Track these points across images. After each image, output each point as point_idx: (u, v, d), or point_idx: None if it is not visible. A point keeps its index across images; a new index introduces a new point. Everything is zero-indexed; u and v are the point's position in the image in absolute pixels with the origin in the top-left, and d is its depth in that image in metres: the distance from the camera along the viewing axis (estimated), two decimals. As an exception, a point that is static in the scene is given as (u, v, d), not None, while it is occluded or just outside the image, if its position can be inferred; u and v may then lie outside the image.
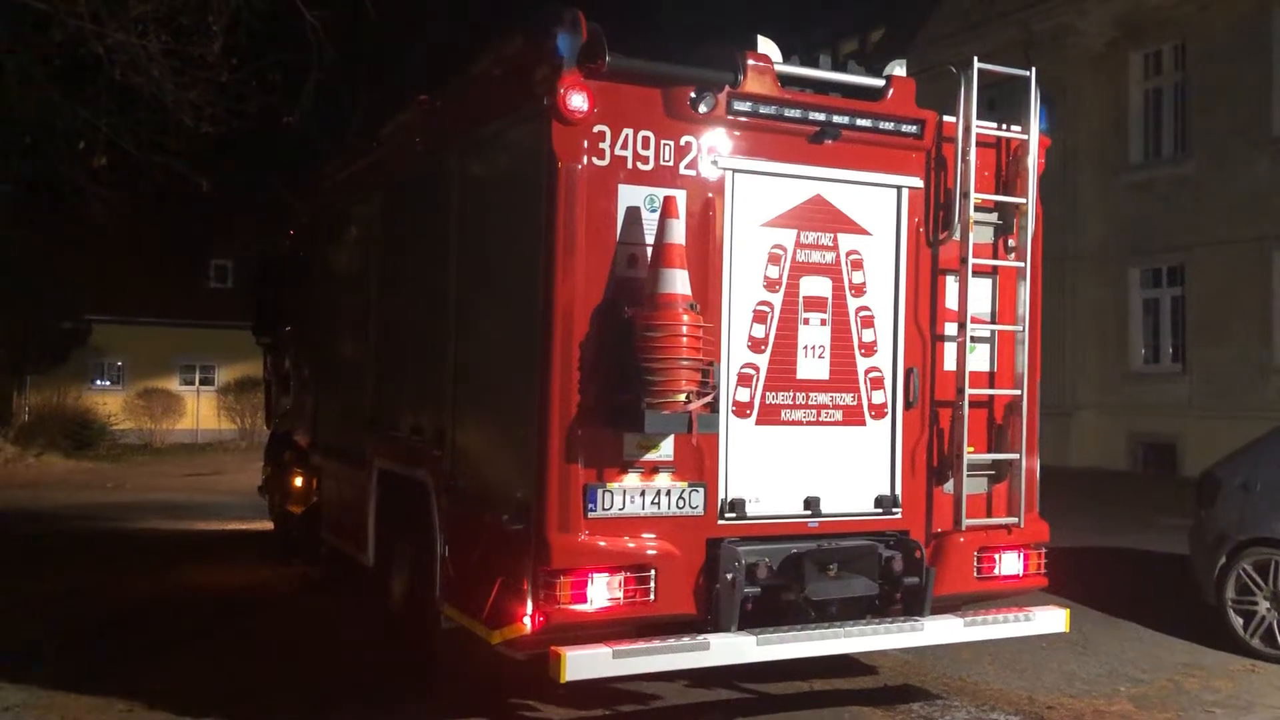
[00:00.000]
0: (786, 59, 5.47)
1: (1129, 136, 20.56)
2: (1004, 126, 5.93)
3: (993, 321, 5.90)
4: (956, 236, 5.72)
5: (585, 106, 4.96)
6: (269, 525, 11.01)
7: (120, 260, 29.10)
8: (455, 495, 5.76)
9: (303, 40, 11.29)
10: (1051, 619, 5.82)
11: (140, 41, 10.70)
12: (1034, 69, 5.93)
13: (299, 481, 9.74)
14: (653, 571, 4.99)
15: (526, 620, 4.86)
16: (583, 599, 4.86)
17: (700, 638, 4.98)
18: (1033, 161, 5.89)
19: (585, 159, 5.00)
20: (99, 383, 31.65)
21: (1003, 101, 6.22)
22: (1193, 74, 19.31)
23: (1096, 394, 20.57)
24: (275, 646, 7.13)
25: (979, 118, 5.73)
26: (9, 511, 14.09)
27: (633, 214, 5.10)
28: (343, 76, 16.50)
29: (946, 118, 5.72)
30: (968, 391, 5.72)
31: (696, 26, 30.42)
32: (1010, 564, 5.85)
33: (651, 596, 4.98)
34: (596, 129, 5.02)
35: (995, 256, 5.91)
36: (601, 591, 4.89)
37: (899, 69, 5.73)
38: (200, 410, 31.67)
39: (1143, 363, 20.27)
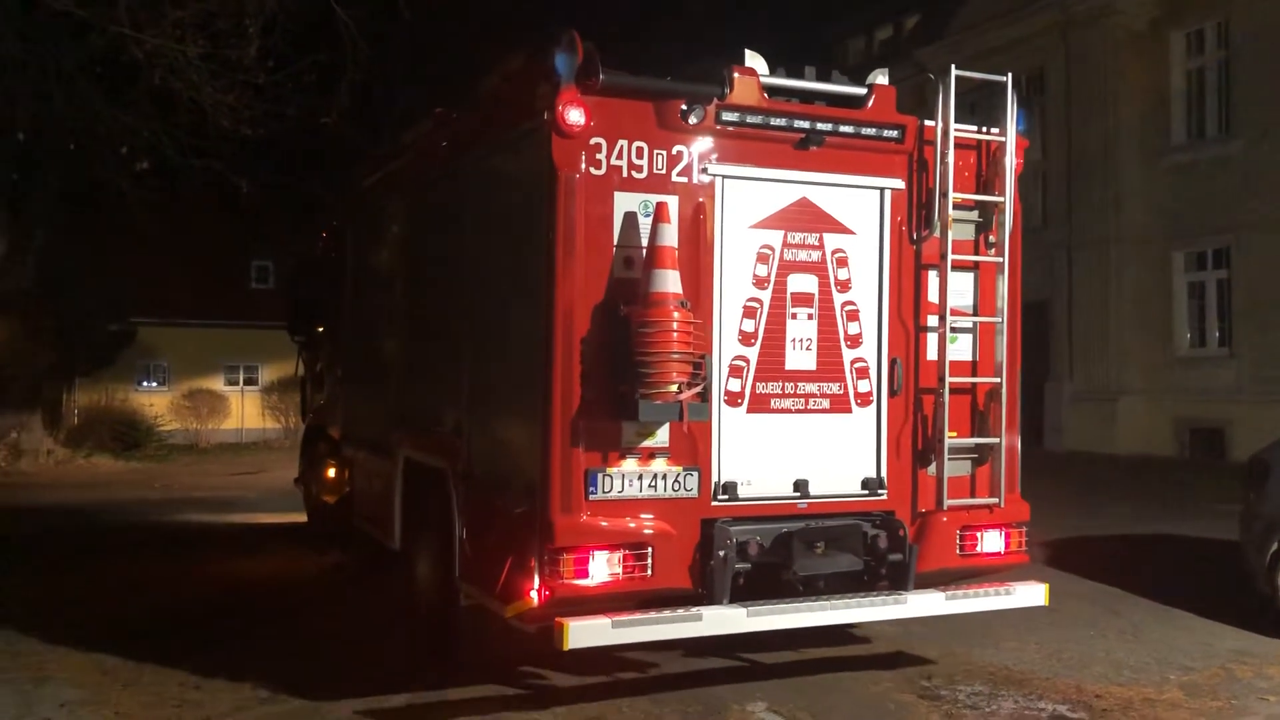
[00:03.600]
0: (788, 65, 5.92)
1: (1171, 117, 20.27)
2: (984, 130, 6.24)
3: (974, 314, 6.26)
4: (937, 234, 6.07)
5: (582, 121, 5.34)
6: (303, 518, 11.46)
7: (163, 262, 29.45)
8: (471, 482, 6.18)
9: (338, 40, 11.39)
10: (1031, 593, 6.09)
11: (178, 46, 10.84)
12: (1009, 74, 6.24)
13: (332, 473, 10.15)
14: (650, 549, 5.40)
15: (534, 594, 5.27)
16: (585, 574, 5.27)
17: (694, 610, 5.36)
18: (1010, 162, 6.21)
19: (583, 168, 5.38)
20: (145, 384, 32.10)
21: (983, 105, 6.53)
22: (1237, 53, 18.98)
23: (1142, 379, 20.31)
24: (313, 637, 7.34)
25: (960, 121, 6.07)
26: (61, 509, 14.35)
27: (629, 219, 5.46)
28: (379, 75, 16.57)
29: (927, 122, 6.05)
30: (948, 380, 6.07)
31: (733, 19, 30.27)
32: (992, 541, 6.19)
33: (649, 572, 5.39)
34: (593, 141, 5.40)
35: (977, 252, 6.25)
36: (602, 567, 5.30)
37: (881, 78, 6.08)
38: (245, 410, 32.04)
39: (1188, 347, 19.99)
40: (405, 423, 7.49)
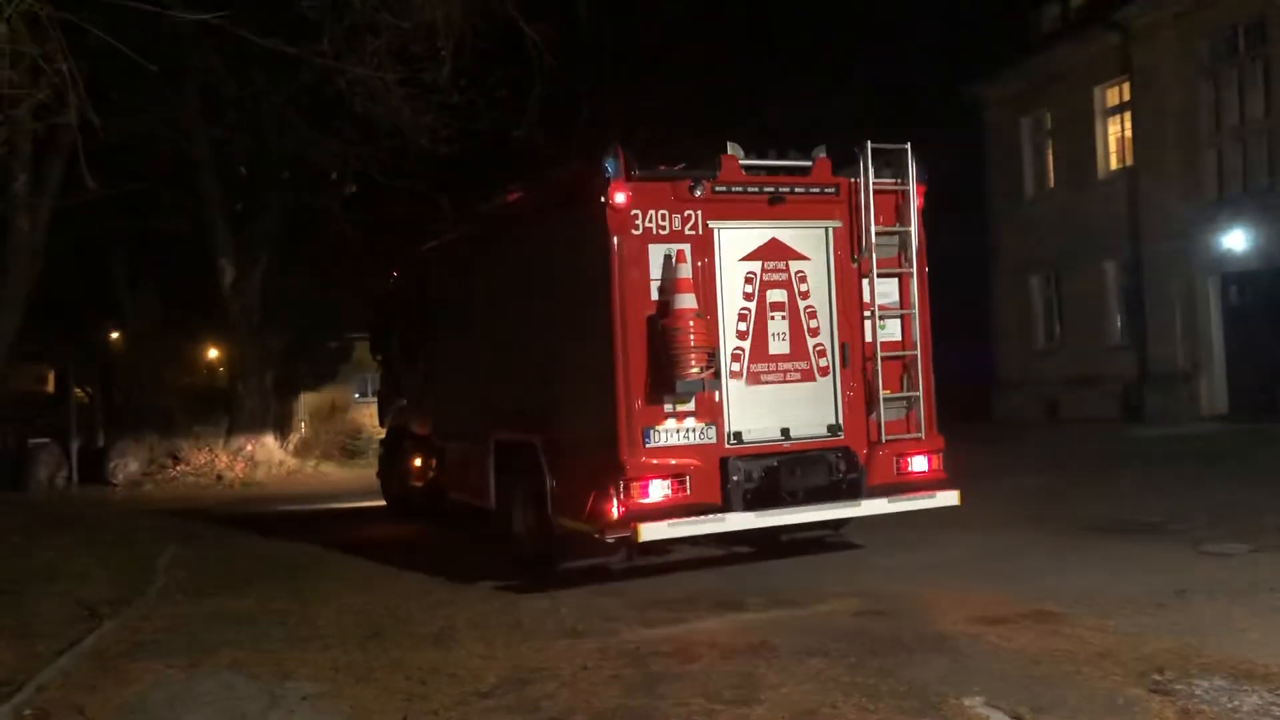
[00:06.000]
0: (760, 149, 8.76)
1: None
2: (897, 181, 8.97)
3: (898, 308, 8.98)
4: (866, 255, 8.84)
5: (625, 200, 8.15)
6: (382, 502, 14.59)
7: (372, 280, 30.95)
8: (556, 449, 8.87)
9: (524, 55, 11.71)
10: (948, 496, 8.95)
11: (377, 74, 11.38)
12: (909, 143, 8.96)
13: (418, 462, 12.91)
14: (688, 477, 8.14)
15: (614, 511, 7.96)
16: (646, 495, 8.01)
17: (719, 515, 8.22)
18: (913, 201, 8.98)
19: (628, 231, 8.17)
20: (361, 396, 33.89)
21: (898, 160, 9.07)
22: None
23: None
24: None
25: (880, 176, 8.89)
26: (308, 518, 15.33)
27: (659, 261, 8.22)
28: (565, 86, 16.98)
29: (856, 179, 8.81)
30: (880, 354, 8.83)
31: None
32: (919, 464, 8.93)
33: (688, 492, 8.13)
34: (633, 212, 8.18)
35: (899, 265, 9.01)
36: (658, 490, 8.04)
37: (821, 152, 8.89)
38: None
39: None
40: (492, 416, 10.19)
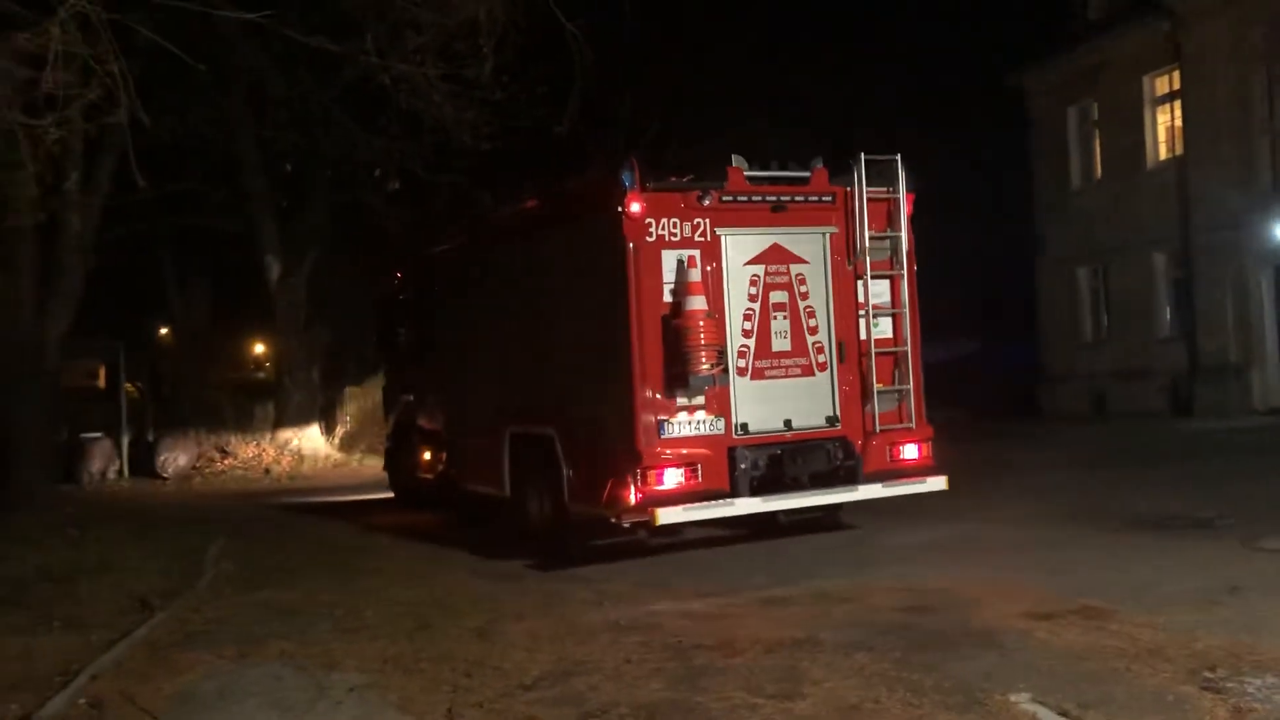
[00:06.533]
0: (763, 160, 9.38)
1: None
2: (888, 189, 9.68)
3: (890, 307, 9.70)
4: (861, 259, 9.53)
5: (640, 210, 8.80)
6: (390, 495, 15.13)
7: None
8: (571, 440, 9.54)
9: (565, 50, 11.72)
10: (936, 482, 9.69)
11: (420, 70, 11.45)
12: (899, 154, 9.66)
13: (428, 456, 13.42)
14: (699, 465, 8.84)
15: (633, 497, 8.67)
16: (661, 482, 8.71)
17: (728, 500, 8.95)
18: (902, 208, 9.71)
19: (643, 238, 8.83)
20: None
21: (889, 170, 9.75)
22: None
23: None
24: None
25: (873, 185, 9.56)
26: (349, 510, 15.52)
27: (672, 265, 8.87)
28: (605, 81, 16.98)
29: (850, 188, 9.49)
30: (874, 351, 9.56)
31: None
32: (910, 452, 9.64)
33: (699, 479, 8.82)
34: (647, 220, 8.84)
35: (891, 268, 9.73)
36: (672, 477, 8.75)
37: (818, 163, 9.55)
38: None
39: None
40: (507, 412, 10.79)
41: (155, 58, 9.42)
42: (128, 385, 23.85)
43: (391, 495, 15.26)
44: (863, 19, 30.08)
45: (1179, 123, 22.61)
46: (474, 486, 11.79)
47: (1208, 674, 5.63)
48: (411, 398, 14.12)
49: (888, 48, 29.08)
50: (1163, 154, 23.41)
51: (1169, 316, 23.31)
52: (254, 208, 23.57)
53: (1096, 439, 19.37)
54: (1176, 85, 22.68)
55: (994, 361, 30.24)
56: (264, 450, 22.64)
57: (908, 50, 29.69)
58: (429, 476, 13.43)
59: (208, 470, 22.07)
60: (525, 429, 10.32)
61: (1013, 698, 5.42)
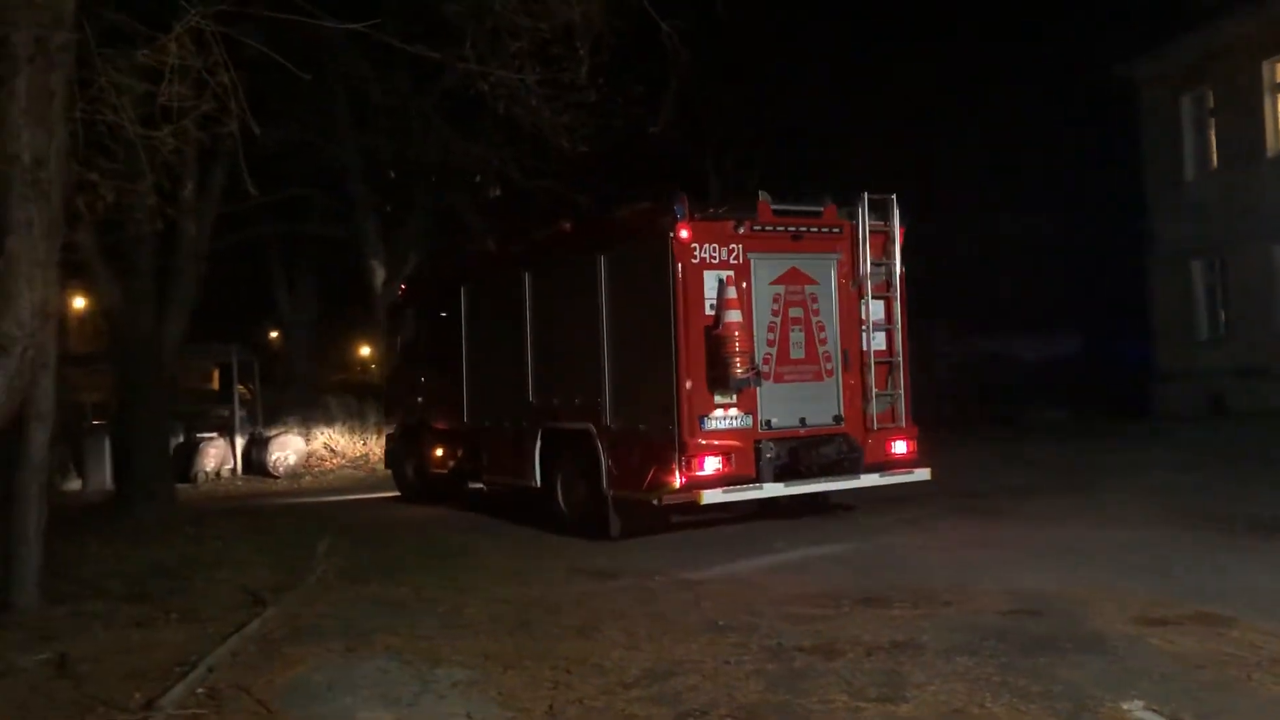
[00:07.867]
0: (784, 194, 11.07)
1: None
2: (885, 223, 11.31)
3: (886, 323, 11.35)
4: (862, 282, 11.18)
5: (688, 236, 10.35)
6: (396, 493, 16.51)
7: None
8: (609, 434, 11.11)
9: (660, 52, 11.72)
10: (921, 473, 11.31)
11: (518, 75, 11.57)
12: (894, 194, 11.36)
13: (440, 453, 14.93)
14: (732, 454, 10.36)
15: (678, 481, 10.20)
16: (702, 468, 10.23)
17: (756, 485, 10.52)
18: (895, 241, 11.34)
19: (689, 260, 10.37)
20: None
21: (885, 208, 11.40)
22: None
23: None
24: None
25: (874, 219, 11.24)
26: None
27: (712, 285, 10.40)
28: (700, 83, 16.96)
29: (855, 221, 11.19)
30: (873, 360, 11.16)
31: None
32: (900, 447, 11.26)
33: (732, 467, 10.35)
34: (692, 245, 10.38)
35: (886, 290, 11.37)
36: (711, 464, 10.27)
37: (829, 201, 11.19)
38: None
39: None
40: (537, 410, 12.39)
41: (263, 69, 9.70)
42: (240, 386, 24.63)
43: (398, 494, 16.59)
44: (966, 18, 29.53)
45: (1301, 109, 21.66)
46: (499, 478, 13.51)
47: (1335, 685, 5.40)
48: (420, 400, 15.75)
49: (993, 43, 28.52)
50: (1284, 142, 22.43)
51: (1292, 312, 22.32)
52: (357, 213, 24.13)
53: (1214, 439, 18.65)
54: (1298, 70, 21.73)
55: (1098, 359, 29.37)
56: (370, 449, 23.18)
57: (1014, 43, 29.08)
58: (442, 472, 14.99)
59: (317, 468, 22.70)
60: (560, 426, 11.92)
61: (1125, 706, 5.26)
